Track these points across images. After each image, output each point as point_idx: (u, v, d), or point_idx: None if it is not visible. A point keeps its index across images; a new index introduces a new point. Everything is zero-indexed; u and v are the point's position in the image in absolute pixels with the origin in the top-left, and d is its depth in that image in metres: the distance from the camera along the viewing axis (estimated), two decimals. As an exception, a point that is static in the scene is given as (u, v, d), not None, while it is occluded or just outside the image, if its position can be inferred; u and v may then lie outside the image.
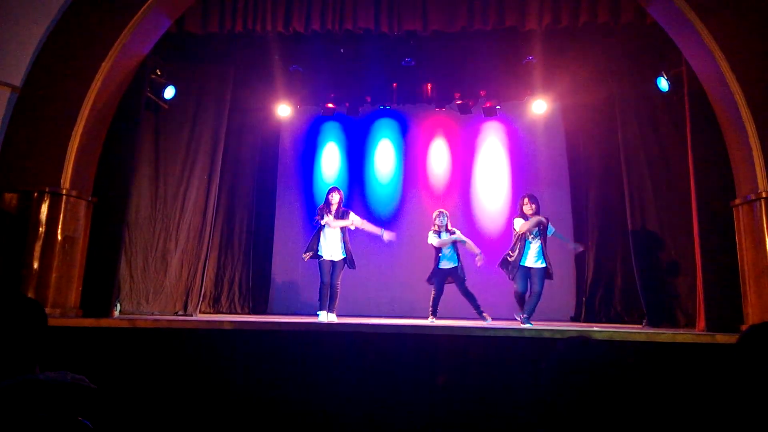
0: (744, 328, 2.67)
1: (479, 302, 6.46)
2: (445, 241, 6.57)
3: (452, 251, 6.61)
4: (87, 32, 5.79)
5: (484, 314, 6.40)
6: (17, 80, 5.64)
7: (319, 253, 6.29)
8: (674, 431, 4.06)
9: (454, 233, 6.66)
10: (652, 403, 4.16)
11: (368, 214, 8.78)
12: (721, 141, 5.55)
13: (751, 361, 1.68)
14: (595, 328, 5.68)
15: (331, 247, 6.30)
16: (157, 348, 4.87)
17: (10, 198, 5.48)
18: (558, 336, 4.66)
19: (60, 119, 5.62)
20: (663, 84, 6.48)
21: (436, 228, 6.67)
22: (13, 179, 5.50)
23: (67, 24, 5.77)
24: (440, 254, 6.60)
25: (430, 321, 6.43)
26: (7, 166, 5.52)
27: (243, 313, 8.15)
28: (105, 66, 5.73)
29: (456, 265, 6.56)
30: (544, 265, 6.07)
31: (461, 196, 8.79)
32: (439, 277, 6.58)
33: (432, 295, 6.59)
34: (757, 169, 5.07)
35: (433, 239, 6.63)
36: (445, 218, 6.72)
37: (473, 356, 4.64)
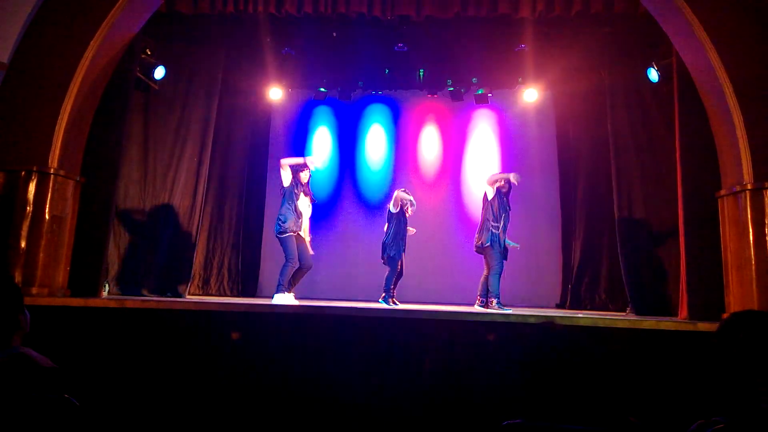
0: (725, 316, 2.73)
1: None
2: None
3: None
4: (76, 9, 5.70)
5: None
6: (5, 57, 5.55)
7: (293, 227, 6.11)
8: (655, 417, 4.15)
9: None
10: (632, 389, 4.24)
11: (358, 199, 8.82)
12: (708, 133, 5.60)
13: (730, 349, 1.72)
14: (580, 315, 5.76)
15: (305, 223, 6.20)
16: (145, 328, 4.88)
17: (-3, 176, 5.42)
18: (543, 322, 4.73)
19: (48, 97, 5.56)
20: (653, 75, 6.52)
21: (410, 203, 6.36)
22: None
23: (56, 0, 5.69)
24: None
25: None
26: (-6, 144, 5.46)
27: (232, 295, 8.16)
28: (94, 44, 5.65)
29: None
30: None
31: (452, 183, 8.82)
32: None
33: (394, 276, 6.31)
34: (743, 161, 5.13)
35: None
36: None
37: (460, 340, 4.70)
